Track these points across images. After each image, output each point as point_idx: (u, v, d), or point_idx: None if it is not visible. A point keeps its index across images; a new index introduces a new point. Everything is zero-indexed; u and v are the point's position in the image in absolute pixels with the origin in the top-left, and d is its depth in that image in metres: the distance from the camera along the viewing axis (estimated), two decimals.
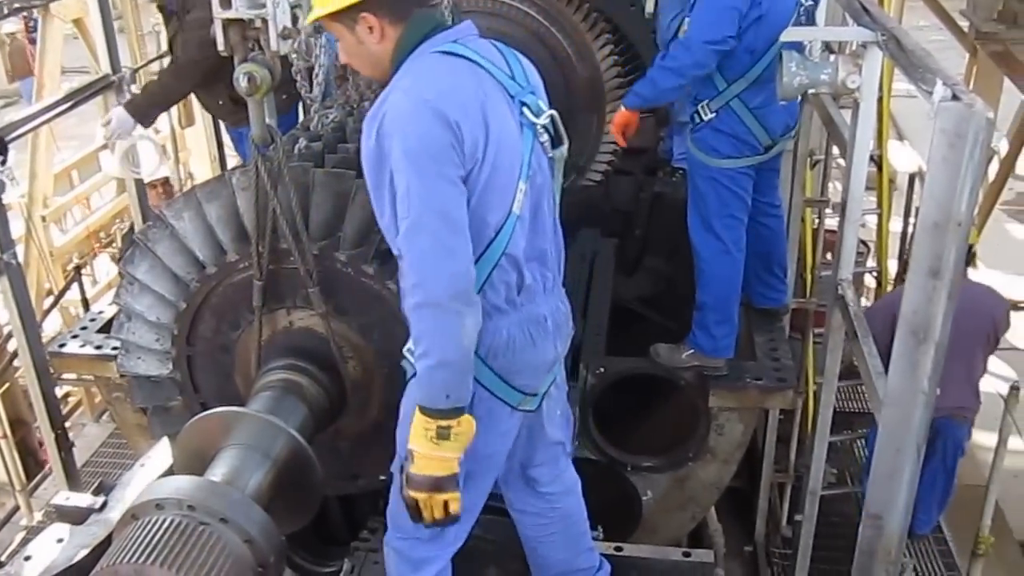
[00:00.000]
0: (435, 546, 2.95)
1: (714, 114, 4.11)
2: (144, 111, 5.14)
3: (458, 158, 2.49)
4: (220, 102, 5.44)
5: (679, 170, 6.10)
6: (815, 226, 5.30)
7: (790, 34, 3.53)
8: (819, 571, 5.19)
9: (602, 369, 4.32)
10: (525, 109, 2.69)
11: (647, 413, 4.73)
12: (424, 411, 2.56)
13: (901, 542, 2.71)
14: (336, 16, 2.62)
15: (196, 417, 3.08)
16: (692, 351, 4.32)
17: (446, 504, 2.64)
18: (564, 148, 2.81)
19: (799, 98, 4.16)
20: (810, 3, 4.06)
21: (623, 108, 4.19)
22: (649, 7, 5.82)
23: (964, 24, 6.80)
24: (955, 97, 2.23)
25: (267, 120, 3.27)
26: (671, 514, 4.51)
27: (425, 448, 2.58)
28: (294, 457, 2.96)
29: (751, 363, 4.31)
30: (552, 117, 2.76)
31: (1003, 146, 9.39)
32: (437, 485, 2.61)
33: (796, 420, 5.44)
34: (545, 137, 2.74)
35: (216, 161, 7.74)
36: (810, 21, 4.07)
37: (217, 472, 2.87)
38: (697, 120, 4.18)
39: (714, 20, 3.89)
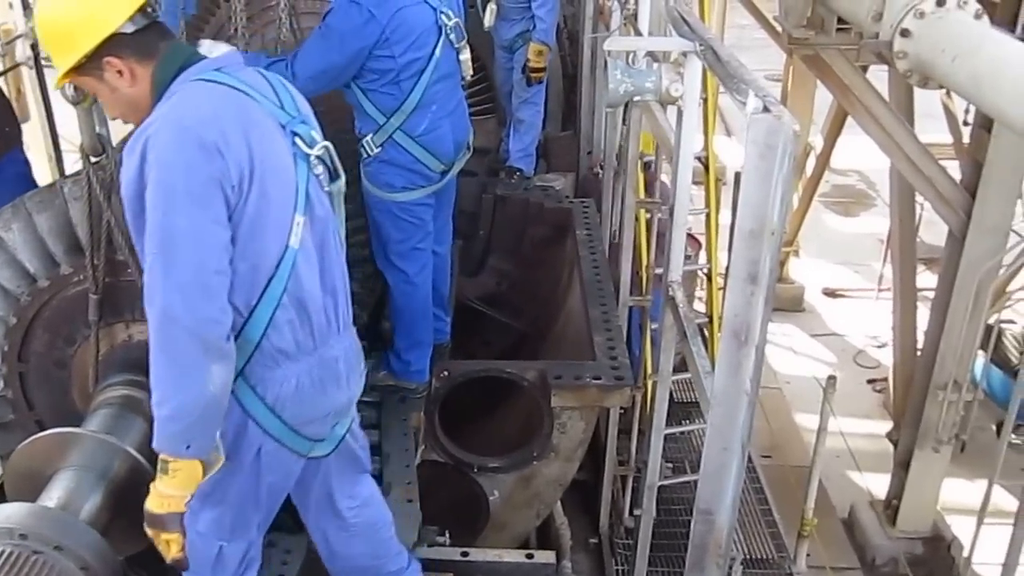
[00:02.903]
0: None
1: (380, 148, 4.03)
2: None
3: (221, 193, 2.36)
4: None
5: (518, 170, 6.23)
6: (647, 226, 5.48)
7: (614, 43, 3.64)
8: (661, 559, 5.41)
9: (446, 372, 4.34)
10: (297, 139, 2.59)
11: (492, 413, 4.79)
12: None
13: (730, 535, 2.83)
14: (81, 70, 2.47)
15: (28, 440, 2.96)
16: (385, 372, 4.38)
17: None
18: (342, 182, 2.74)
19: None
20: (453, 22, 4.03)
21: None
22: (487, 21, 5.95)
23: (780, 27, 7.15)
24: (766, 109, 2.35)
25: (97, 128, 3.12)
26: (518, 512, 4.57)
27: (156, 483, 2.49)
28: (133, 476, 2.88)
29: (591, 363, 4.40)
30: (327, 148, 2.68)
31: (819, 142, 9.93)
32: (157, 522, 2.50)
33: (636, 414, 5.60)
34: (320, 169, 2.65)
35: (53, 161, 7.42)
36: (459, 39, 4.07)
37: (51, 496, 2.78)
38: (365, 155, 4.08)
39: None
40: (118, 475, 2.92)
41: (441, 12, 3.94)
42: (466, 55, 4.09)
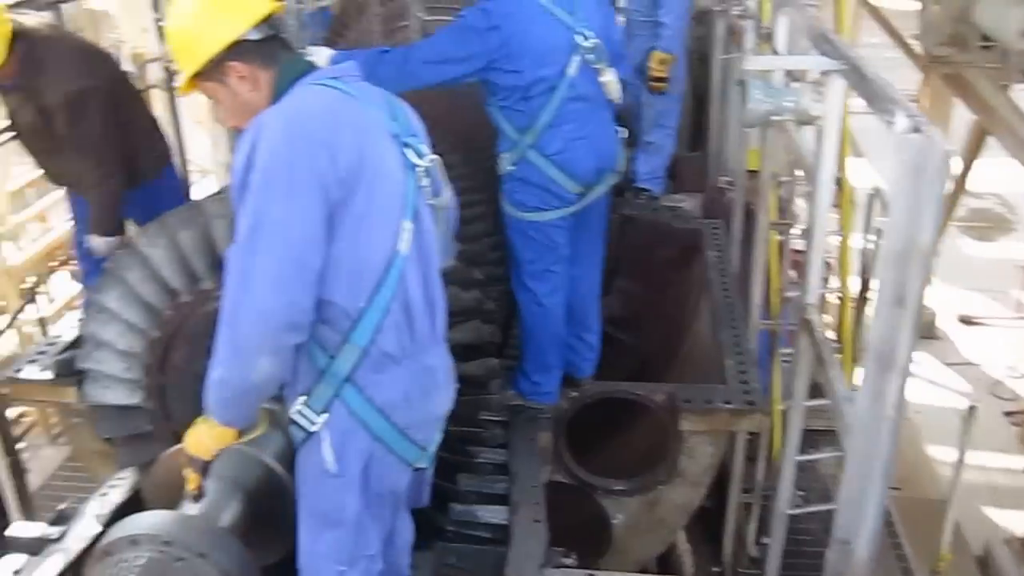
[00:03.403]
0: None
1: (514, 166, 4.02)
2: (112, 221, 4.81)
3: (322, 188, 2.40)
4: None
5: (645, 191, 6.19)
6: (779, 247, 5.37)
7: (754, 62, 3.59)
8: None
9: (574, 394, 4.34)
10: (407, 150, 2.65)
11: (619, 435, 4.75)
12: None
13: (869, 567, 2.74)
14: (206, 75, 2.58)
15: (170, 450, 3.03)
16: (514, 392, 4.35)
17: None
18: (445, 196, 2.79)
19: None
20: (591, 42, 3.93)
21: None
22: None
23: (916, 45, 6.96)
24: (916, 129, 2.28)
25: None
26: (641, 537, 4.52)
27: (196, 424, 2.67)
28: (270, 487, 2.91)
29: (721, 387, 4.34)
30: (434, 162, 2.73)
31: (956, 164, 9.57)
32: (186, 458, 2.70)
33: (763, 441, 5.47)
34: (426, 181, 2.69)
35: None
36: (599, 60, 3.97)
37: (192, 505, 2.83)
38: (501, 173, 4.09)
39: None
40: (256, 486, 2.94)
41: (576, 32, 3.91)
42: (609, 77, 4.00)
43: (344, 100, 2.55)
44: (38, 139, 4.80)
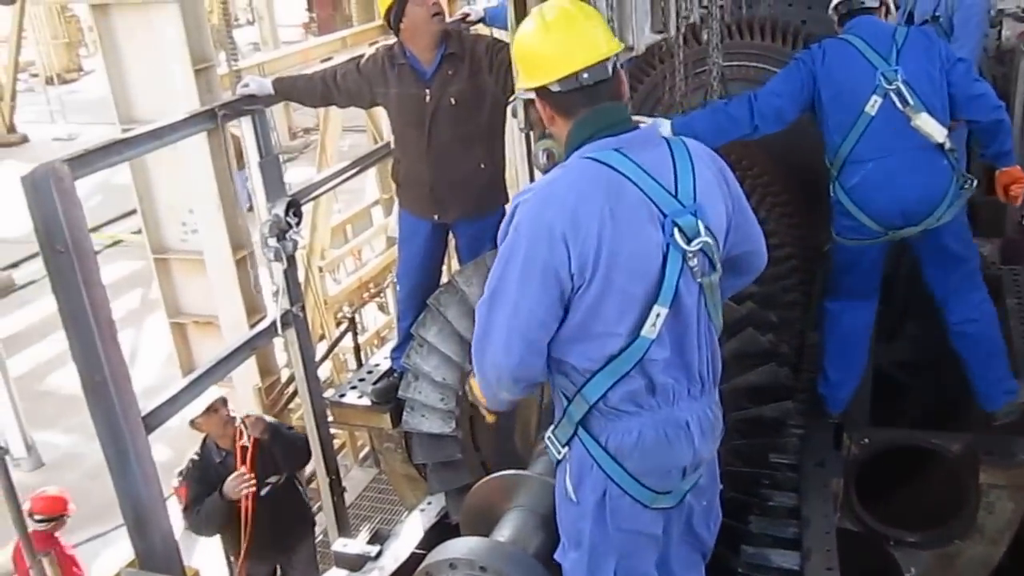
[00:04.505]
0: None
1: (833, 194, 4.24)
2: None
3: (555, 279, 2.54)
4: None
5: None
6: None
7: None
8: None
9: (866, 440, 4.25)
10: (677, 231, 2.57)
11: (909, 483, 4.60)
12: None
13: None
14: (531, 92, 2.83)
15: (484, 479, 3.26)
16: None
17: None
18: (716, 276, 2.68)
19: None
20: (895, 86, 3.94)
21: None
22: None
23: None
24: None
25: None
26: None
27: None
28: None
29: None
30: (708, 243, 2.61)
31: None
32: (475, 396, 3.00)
33: None
34: (695, 262, 2.60)
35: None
36: (905, 104, 3.94)
37: (503, 533, 3.00)
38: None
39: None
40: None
41: (883, 74, 3.96)
42: (921, 121, 3.93)
43: (606, 186, 2.56)
44: (456, 116, 4.50)
